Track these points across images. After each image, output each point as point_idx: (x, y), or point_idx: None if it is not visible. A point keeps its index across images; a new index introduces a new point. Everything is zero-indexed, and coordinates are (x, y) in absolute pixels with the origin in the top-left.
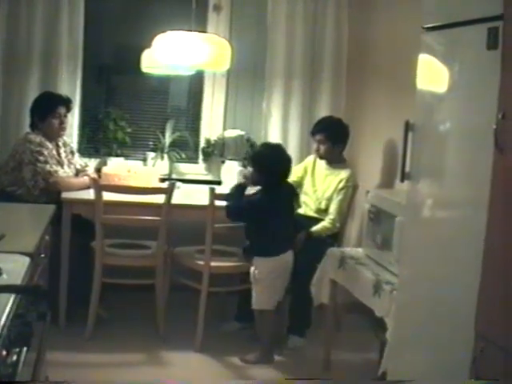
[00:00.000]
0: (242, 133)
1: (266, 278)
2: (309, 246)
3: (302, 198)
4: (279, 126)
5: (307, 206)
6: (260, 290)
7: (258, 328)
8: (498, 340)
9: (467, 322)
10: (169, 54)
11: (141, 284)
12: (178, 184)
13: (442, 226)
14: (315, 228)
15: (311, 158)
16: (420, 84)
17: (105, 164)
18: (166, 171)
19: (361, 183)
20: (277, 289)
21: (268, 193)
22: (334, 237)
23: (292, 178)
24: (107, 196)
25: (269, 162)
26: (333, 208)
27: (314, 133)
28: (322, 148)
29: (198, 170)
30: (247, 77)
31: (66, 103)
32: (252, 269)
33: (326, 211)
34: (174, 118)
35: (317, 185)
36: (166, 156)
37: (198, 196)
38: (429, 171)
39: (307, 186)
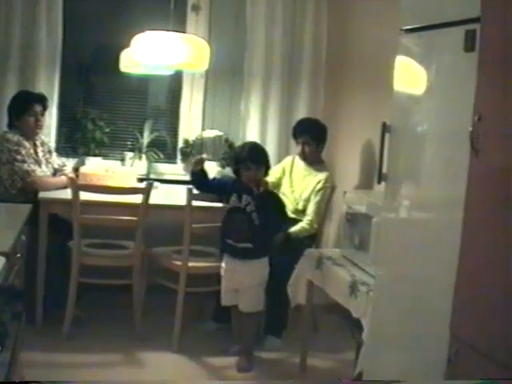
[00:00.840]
0: (221, 133)
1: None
2: (286, 246)
3: None
4: (257, 126)
5: None
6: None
7: (242, 329)
8: (472, 341)
9: (443, 323)
10: (147, 53)
11: (118, 284)
12: (156, 184)
13: (418, 227)
14: (293, 229)
15: (289, 158)
16: (397, 86)
17: (83, 164)
18: (144, 171)
19: (338, 184)
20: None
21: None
22: (312, 238)
23: (270, 178)
24: (85, 196)
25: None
26: (311, 209)
27: (298, 134)
28: (308, 150)
29: (175, 170)
30: (226, 77)
31: (42, 101)
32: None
33: (303, 212)
34: (152, 118)
35: (295, 185)
36: (144, 156)
37: (175, 196)
38: (405, 172)
39: (285, 186)
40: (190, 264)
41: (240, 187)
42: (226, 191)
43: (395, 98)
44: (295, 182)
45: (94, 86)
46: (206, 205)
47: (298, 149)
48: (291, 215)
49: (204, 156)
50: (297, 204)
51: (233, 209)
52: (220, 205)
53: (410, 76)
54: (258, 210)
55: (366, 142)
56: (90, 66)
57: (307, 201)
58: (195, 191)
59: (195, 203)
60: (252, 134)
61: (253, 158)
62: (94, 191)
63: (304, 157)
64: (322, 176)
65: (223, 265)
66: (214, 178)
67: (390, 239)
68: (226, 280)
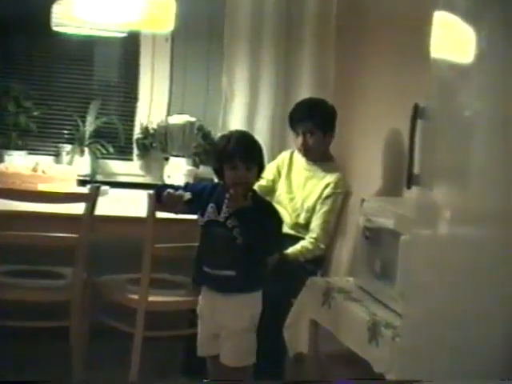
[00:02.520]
0: (193, 119)
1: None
2: (282, 273)
3: None
4: (243, 110)
5: None
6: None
7: None
8: None
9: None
10: (90, 7)
11: (50, 327)
12: (105, 188)
13: (464, 247)
14: (292, 250)
15: (286, 154)
16: (435, 53)
17: (0, 160)
18: (88, 171)
19: (354, 189)
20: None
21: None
22: (317, 262)
23: (260, 181)
24: (3, 204)
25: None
26: (316, 223)
27: (296, 121)
28: (311, 142)
29: (131, 169)
30: (199, 42)
31: None
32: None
33: (306, 227)
34: (99, 98)
35: (294, 191)
36: (86, 150)
37: (131, 205)
38: (446, 173)
39: (281, 192)
40: (152, 298)
41: (220, 194)
42: (201, 199)
43: (433, 71)
44: (295, 187)
45: (17, 51)
46: (175, 217)
47: (298, 141)
48: (289, 231)
49: (185, 195)
50: (297, 216)
51: (210, 223)
52: (195, 217)
53: (453, 39)
54: (244, 224)
55: (392, 131)
56: (11, 22)
57: (311, 212)
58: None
59: (159, 214)
60: (236, 121)
61: (243, 153)
62: (17, 198)
63: (305, 152)
64: (331, 178)
65: (199, 300)
66: (187, 184)
67: (424, 264)
68: (203, 321)
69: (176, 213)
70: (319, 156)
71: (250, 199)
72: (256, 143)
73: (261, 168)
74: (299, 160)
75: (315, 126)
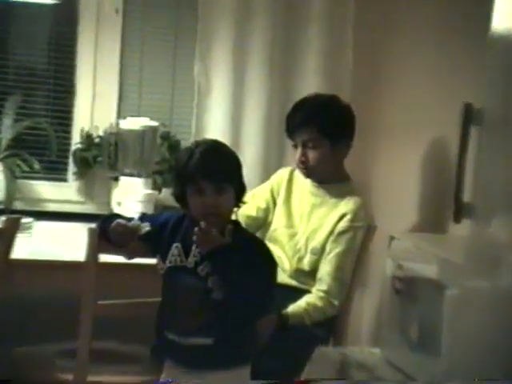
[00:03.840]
0: (154, 124)
1: None
2: (280, 342)
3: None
4: (225, 111)
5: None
6: None
7: None
8: None
9: None
10: None
11: None
12: (27, 220)
13: None
14: (293, 308)
15: (284, 172)
16: (497, 26)
17: None
18: (1, 195)
19: (379, 222)
20: None
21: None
22: (328, 325)
23: (247, 210)
24: None
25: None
26: (326, 270)
27: (294, 126)
28: (312, 156)
29: (66, 193)
30: (162, 13)
31: None
32: None
33: (312, 275)
34: (18, 92)
35: (296, 224)
36: (0, 166)
37: (65, 244)
38: (511, 201)
39: (277, 226)
40: (93, 378)
41: (189, 229)
42: (163, 237)
43: (491, 55)
44: (296, 218)
45: None
46: (127, 262)
47: (296, 155)
48: (288, 281)
49: (142, 226)
50: (299, 260)
51: (174, 270)
52: (154, 261)
53: None
54: (222, 272)
55: (433, 141)
56: None
57: (319, 254)
58: None
59: (104, 258)
60: (215, 127)
61: (209, 170)
62: None
63: (305, 171)
64: (346, 206)
65: (161, 379)
66: (143, 216)
67: (480, 330)
68: None
69: (128, 256)
70: (329, 175)
71: (230, 235)
72: (229, 155)
73: (240, 190)
74: (303, 181)
75: (320, 132)
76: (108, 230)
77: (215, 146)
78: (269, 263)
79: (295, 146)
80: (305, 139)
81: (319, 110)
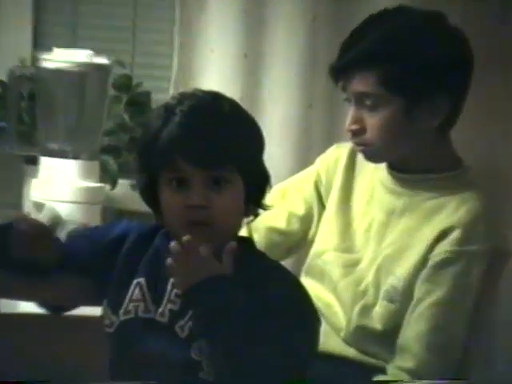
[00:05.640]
0: (104, 60)
1: None
2: None
3: (308, 283)
4: (233, 34)
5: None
6: None
7: None
8: None
9: None
10: None
11: None
12: None
13: None
14: None
15: (339, 152)
16: None
17: None
18: None
19: None
20: None
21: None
22: None
23: (270, 220)
24: None
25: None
26: (415, 330)
27: (345, 65)
28: (372, 122)
29: None
30: None
31: None
32: None
33: (387, 339)
34: None
35: (359, 245)
36: None
37: None
38: None
39: (325, 247)
40: None
41: (159, 254)
42: (110, 269)
43: None
44: (360, 234)
45: None
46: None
47: (348, 118)
48: (345, 350)
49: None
50: (364, 311)
51: (132, 328)
52: (94, 310)
53: None
54: (215, 331)
55: None
56: None
57: (402, 300)
58: None
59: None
60: (211, 70)
61: (196, 144)
62: None
63: (366, 149)
64: (454, 215)
65: None
66: (78, 229)
67: None
68: None
69: (46, 302)
70: (418, 159)
71: (234, 261)
72: (237, 119)
73: (256, 182)
74: (372, 168)
75: (387, 81)
76: (6, 236)
77: (211, 103)
78: (303, 317)
79: (348, 101)
80: (359, 91)
81: (395, 38)
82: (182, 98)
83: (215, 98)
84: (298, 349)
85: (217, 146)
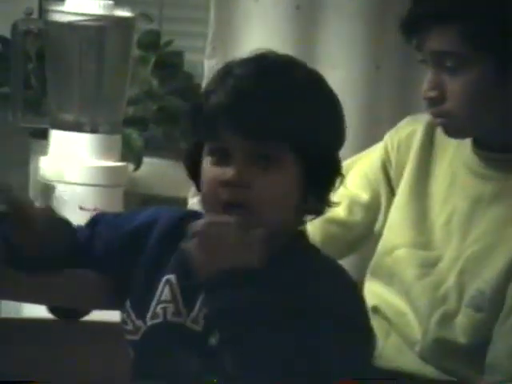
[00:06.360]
0: (127, 13)
1: None
2: None
3: (370, 286)
4: None
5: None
6: None
7: None
8: None
9: None
10: None
11: None
12: None
13: None
14: None
15: (414, 126)
16: None
17: None
18: None
19: None
20: None
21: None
22: None
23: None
24: None
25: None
26: (510, 343)
27: (420, 20)
28: (453, 88)
29: None
30: None
31: None
32: None
33: (473, 354)
34: None
35: (438, 240)
36: None
37: None
38: None
39: (396, 242)
40: None
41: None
42: (132, 264)
43: None
44: (439, 226)
45: None
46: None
47: (425, 82)
48: (421, 367)
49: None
50: (445, 320)
51: (160, 335)
52: (113, 315)
53: None
54: (247, 340)
55: None
56: None
57: (492, 307)
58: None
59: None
60: (251, 26)
61: (244, 113)
62: None
63: (446, 122)
64: None
65: None
66: (97, 217)
67: None
68: None
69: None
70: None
71: (280, 254)
72: (302, 92)
73: (319, 167)
74: (455, 146)
75: (471, 38)
76: None
77: (278, 69)
78: (361, 328)
79: (425, 63)
80: (438, 50)
81: None
82: (247, 59)
83: (288, 64)
84: (361, 361)
85: (268, 118)
